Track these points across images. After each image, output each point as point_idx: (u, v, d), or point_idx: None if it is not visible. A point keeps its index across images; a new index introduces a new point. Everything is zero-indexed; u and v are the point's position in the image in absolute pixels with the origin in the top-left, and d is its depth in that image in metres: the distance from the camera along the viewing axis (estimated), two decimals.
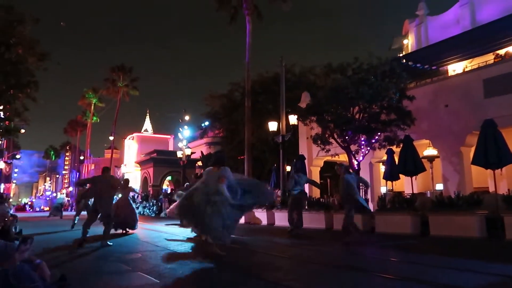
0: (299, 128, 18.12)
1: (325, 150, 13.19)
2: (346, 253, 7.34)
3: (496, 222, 8.46)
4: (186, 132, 28.05)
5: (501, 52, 15.42)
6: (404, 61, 16.55)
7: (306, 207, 12.74)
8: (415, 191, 12.49)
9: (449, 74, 16.24)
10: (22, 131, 30.43)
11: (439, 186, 13.64)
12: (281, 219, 13.28)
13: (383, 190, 15.51)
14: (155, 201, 26.50)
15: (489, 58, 15.29)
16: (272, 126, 17.41)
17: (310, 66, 26.79)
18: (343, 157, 14.01)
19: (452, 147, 13.07)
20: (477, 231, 8.53)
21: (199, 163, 33.82)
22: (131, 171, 47.36)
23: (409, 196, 11.45)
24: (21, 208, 50.34)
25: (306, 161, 16.56)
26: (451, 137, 13.01)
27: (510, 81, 11.81)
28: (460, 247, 7.60)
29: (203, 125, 35.29)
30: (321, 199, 13.37)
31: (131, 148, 51.57)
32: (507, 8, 16.13)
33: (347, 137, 12.68)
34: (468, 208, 8.83)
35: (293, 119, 16.75)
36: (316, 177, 18.42)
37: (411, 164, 11.65)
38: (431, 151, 14.16)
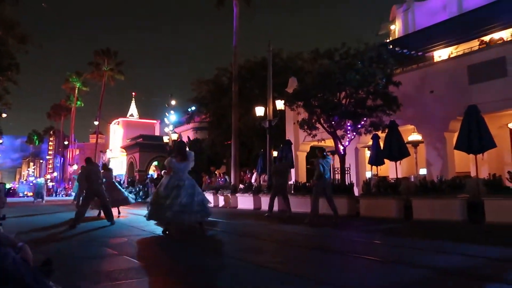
0: (286, 113, 18.11)
1: (311, 135, 13.24)
2: (331, 236, 7.45)
3: (477, 205, 8.68)
4: (172, 117, 27.84)
5: (486, 38, 15.54)
6: (391, 46, 16.57)
7: (292, 192, 12.87)
8: (400, 176, 12.67)
9: (435, 60, 16.35)
10: (4, 115, 29.89)
11: (423, 171, 13.86)
12: (267, 203, 13.36)
13: (368, 174, 15.72)
14: (141, 186, 26.39)
15: (474, 44, 15.38)
16: (259, 111, 17.36)
17: (297, 51, 26.64)
18: (329, 142, 14.09)
19: (436, 133, 13.26)
20: (459, 215, 8.74)
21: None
22: (117, 156, 46.94)
23: (393, 181, 11.63)
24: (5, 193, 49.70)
25: (292, 146, 16.63)
26: (435, 122, 13.18)
27: (493, 68, 11.95)
28: (442, 230, 7.78)
29: (189, 110, 34.99)
30: (307, 184, 13.48)
31: (117, 133, 51.03)
32: None
33: (333, 122, 12.73)
34: (450, 192, 9.02)
35: (280, 104, 16.71)
36: (302, 162, 18.54)
37: (396, 149, 11.79)
38: (415, 136, 14.34)
